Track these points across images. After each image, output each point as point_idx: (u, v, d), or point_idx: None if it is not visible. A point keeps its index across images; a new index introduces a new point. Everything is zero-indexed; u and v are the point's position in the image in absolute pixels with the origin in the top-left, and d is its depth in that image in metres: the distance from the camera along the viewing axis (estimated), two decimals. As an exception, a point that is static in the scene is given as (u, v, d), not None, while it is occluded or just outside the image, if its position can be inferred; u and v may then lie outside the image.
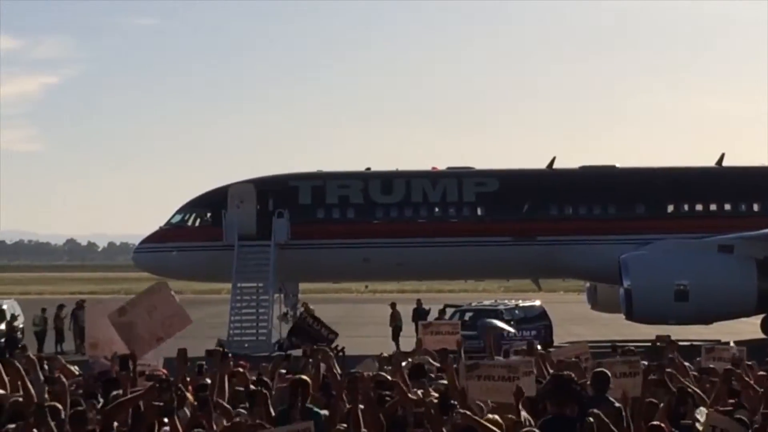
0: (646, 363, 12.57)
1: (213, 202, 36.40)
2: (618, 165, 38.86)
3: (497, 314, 32.92)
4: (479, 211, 37.01)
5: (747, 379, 12.06)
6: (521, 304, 35.55)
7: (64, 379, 11.15)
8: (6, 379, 11.31)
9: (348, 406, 9.99)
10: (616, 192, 37.32)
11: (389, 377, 11.76)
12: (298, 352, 20.65)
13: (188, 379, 11.89)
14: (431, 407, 9.45)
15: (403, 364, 12.88)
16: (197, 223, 36.54)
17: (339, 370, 12.40)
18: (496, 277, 49.86)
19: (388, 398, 10.52)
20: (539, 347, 15.18)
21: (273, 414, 10.08)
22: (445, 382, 11.69)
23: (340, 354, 21.81)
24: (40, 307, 38.71)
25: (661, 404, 11.10)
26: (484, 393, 10.38)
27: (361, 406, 9.46)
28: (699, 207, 37.26)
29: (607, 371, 11.26)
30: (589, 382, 11.24)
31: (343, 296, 73.40)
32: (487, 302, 37.14)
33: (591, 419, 9.03)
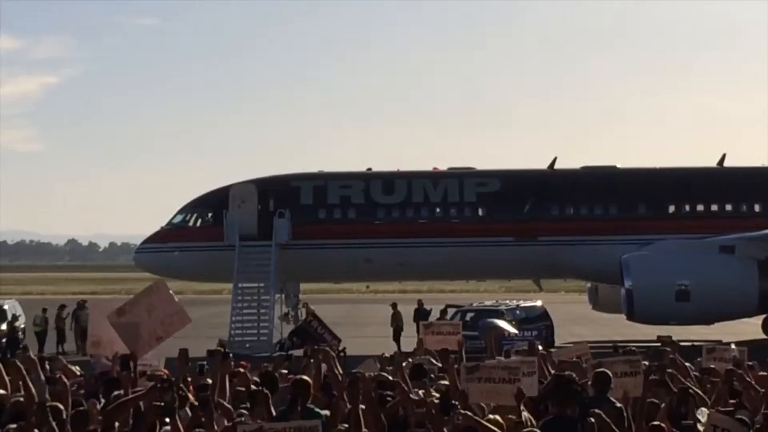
0: (647, 363, 12.56)
1: (214, 203, 36.40)
2: (619, 165, 38.85)
3: (498, 314, 32.93)
4: (480, 212, 36.99)
5: (748, 379, 12.05)
6: (522, 305, 35.57)
7: (65, 380, 11.14)
8: (7, 379, 11.32)
9: (349, 406, 9.99)
10: (617, 192, 37.29)
11: (390, 377, 11.76)
12: (299, 353, 20.65)
13: (189, 379, 11.88)
14: (432, 407, 9.44)
15: (404, 364, 12.88)
16: (198, 224, 36.55)
17: (340, 371, 12.38)
18: (497, 277, 49.93)
19: (389, 398, 10.51)
20: (540, 348, 15.16)
21: (274, 414, 10.08)
22: (446, 382, 11.69)
23: (342, 354, 21.79)
24: (41, 308, 38.69)
25: (662, 404, 11.10)
26: (485, 396, 10.37)
27: (362, 407, 9.45)
28: (700, 207, 37.25)
29: (608, 371, 11.25)
30: (590, 383, 11.24)
31: (344, 296, 73.39)
32: (488, 302, 37.16)
33: (592, 419, 9.03)
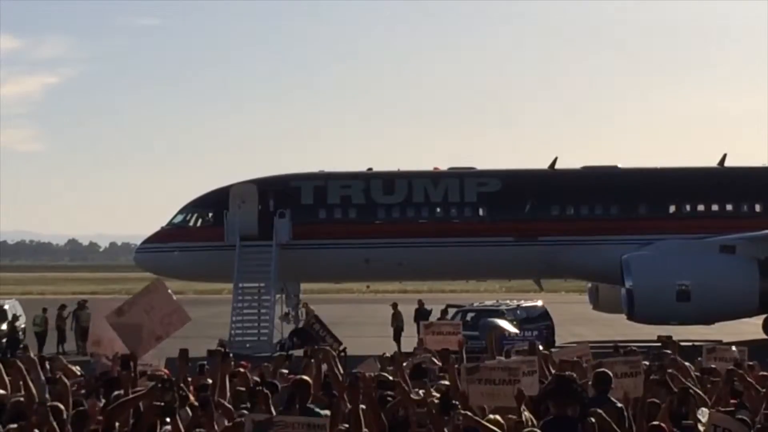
0: (647, 363, 12.55)
1: (215, 202, 36.40)
2: (620, 165, 38.85)
3: (499, 314, 32.91)
4: (481, 212, 36.99)
5: (749, 379, 12.04)
6: (523, 305, 35.54)
7: (65, 380, 11.14)
8: (7, 379, 11.31)
9: (349, 406, 9.97)
10: (618, 192, 37.29)
11: (391, 377, 11.75)
12: (299, 353, 20.63)
13: (189, 379, 11.88)
14: (432, 407, 9.43)
15: (404, 364, 12.87)
16: (199, 224, 36.55)
17: (341, 370, 12.37)
18: (497, 277, 49.95)
19: (389, 398, 10.50)
20: (541, 348, 15.14)
21: (274, 414, 10.06)
22: (447, 382, 11.68)
23: (342, 354, 21.78)
24: (41, 308, 38.68)
25: (663, 404, 11.08)
26: (486, 397, 10.34)
27: (363, 407, 9.44)
28: (701, 207, 37.25)
29: (608, 371, 11.24)
30: (590, 383, 11.22)
31: (344, 296, 73.40)
32: (489, 302, 37.13)
33: (592, 419, 9.01)
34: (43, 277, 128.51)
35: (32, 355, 12.31)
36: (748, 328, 36.91)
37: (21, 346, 27.50)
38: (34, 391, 10.20)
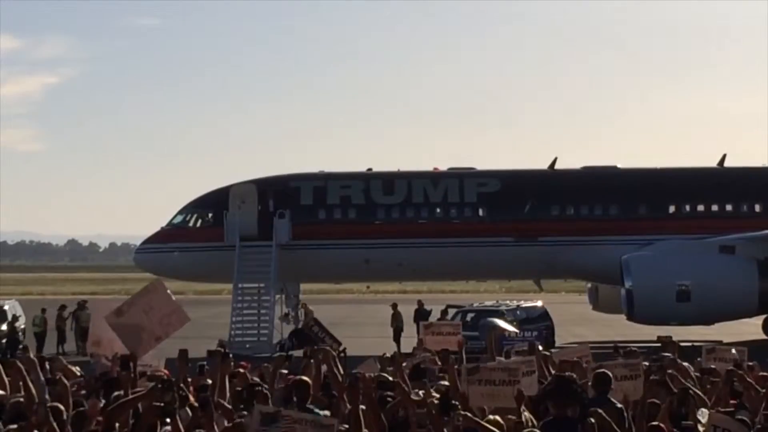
0: (647, 364, 12.55)
1: (214, 203, 36.40)
2: (620, 165, 38.86)
3: (499, 315, 32.90)
4: (481, 212, 36.99)
5: (749, 380, 12.04)
6: (523, 305, 35.55)
7: (65, 380, 11.13)
8: (7, 380, 11.30)
9: (349, 406, 9.97)
10: (617, 192, 37.29)
11: (390, 378, 11.74)
12: (299, 353, 20.62)
13: (189, 379, 11.87)
14: (432, 408, 9.43)
15: (404, 364, 12.87)
16: (199, 224, 36.55)
17: (340, 371, 12.37)
18: (497, 277, 49.95)
19: (389, 399, 10.50)
20: (540, 348, 15.13)
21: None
22: (447, 382, 11.68)
23: (342, 355, 21.77)
24: (41, 308, 38.67)
25: (663, 405, 11.08)
26: (486, 398, 10.34)
27: (363, 407, 9.44)
28: (701, 208, 37.26)
29: (608, 372, 11.24)
30: (590, 383, 11.22)
31: (344, 297, 73.43)
32: (488, 303, 37.12)
33: (592, 420, 9.01)
34: (43, 277, 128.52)
35: (32, 355, 12.30)
36: (748, 329, 36.90)
37: (21, 346, 27.51)
38: (33, 391, 10.18)
